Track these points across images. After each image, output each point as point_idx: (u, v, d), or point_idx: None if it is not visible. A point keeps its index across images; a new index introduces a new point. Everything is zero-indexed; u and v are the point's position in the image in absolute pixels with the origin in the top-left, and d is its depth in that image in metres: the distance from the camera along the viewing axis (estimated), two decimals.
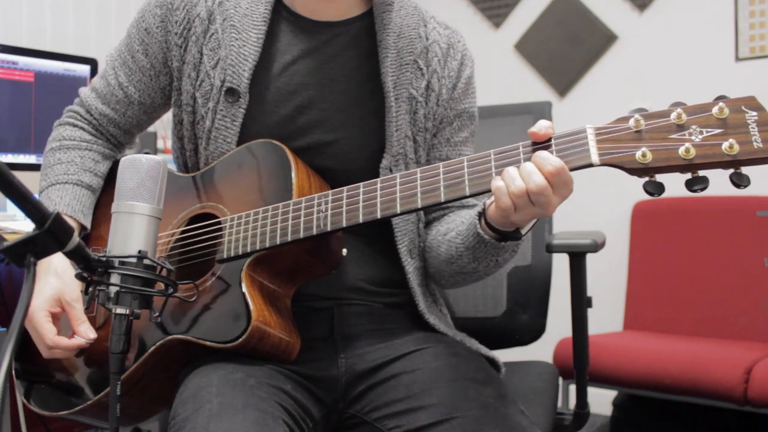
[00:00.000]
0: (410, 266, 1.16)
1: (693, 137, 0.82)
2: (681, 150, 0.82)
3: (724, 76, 2.98)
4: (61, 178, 1.21)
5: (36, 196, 1.20)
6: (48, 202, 1.17)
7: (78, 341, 1.08)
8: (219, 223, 1.09)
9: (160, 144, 2.77)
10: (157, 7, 1.19)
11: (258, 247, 1.03)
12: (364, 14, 1.21)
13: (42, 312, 1.08)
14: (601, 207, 3.19)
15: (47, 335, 1.07)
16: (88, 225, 1.20)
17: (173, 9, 1.18)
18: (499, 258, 1.08)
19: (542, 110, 1.64)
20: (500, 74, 3.46)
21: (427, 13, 1.25)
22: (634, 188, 3.27)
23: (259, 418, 0.92)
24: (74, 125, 1.28)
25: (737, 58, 2.98)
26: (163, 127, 2.87)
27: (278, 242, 1.02)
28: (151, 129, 2.54)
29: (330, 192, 1.01)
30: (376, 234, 1.17)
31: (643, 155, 0.83)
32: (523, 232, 1.00)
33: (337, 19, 1.19)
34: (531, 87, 3.45)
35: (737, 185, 0.82)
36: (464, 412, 1.00)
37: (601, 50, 3.28)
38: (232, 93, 1.14)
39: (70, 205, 1.17)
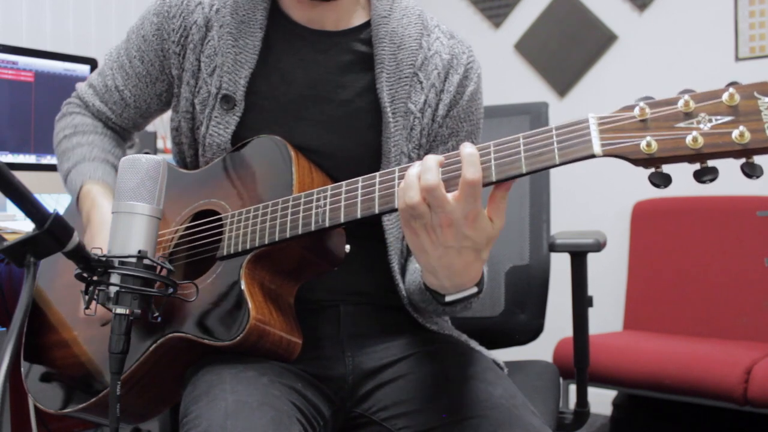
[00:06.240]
0: (401, 283, 1.14)
1: (701, 125, 0.78)
2: (688, 139, 0.78)
3: (724, 76, 2.97)
4: (89, 156, 1.22)
5: (62, 176, 1.23)
6: (80, 176, 1.18)
7: None
8: (220, 219, 1.09)
9: (160, 144, 2.77)
10: (154, 15, 1.19)
11: (257, 244, 1.02)
12: (363, 25, 1.18)
13: None
14: (601, 207, 3.20)
15: None
16: None
17: (169, 17, 1.17)
18: (446, 311, 1.06)
19: (539, 111, 1.63)
20: (500, 74, 3.46)
21: (432, 20, 1.20)
22: (634, 188, 3.26)
23: (276, 417, 0.92)
24: (82, 114, 1.29)
25: (737, 58, 2.98)
26: (164, 127, 2.87)
27: (277, 239, 1.01)
28: (150, 129, 2.54)
29: (329, 187, 0.99)
30: (382, 237, 1.15)
31: (648, 145, 0.79)
32: (447, 298, 0.96)
33: (336, 29, 1.17)
34: (531, 87, 3.45)
35: (749, 176, 0.78)
36: (477, 412, 1.00)
37: (601, 50, 3.28)
38: (227, 100, 1.13)
39: (103, 178, 1.18)
